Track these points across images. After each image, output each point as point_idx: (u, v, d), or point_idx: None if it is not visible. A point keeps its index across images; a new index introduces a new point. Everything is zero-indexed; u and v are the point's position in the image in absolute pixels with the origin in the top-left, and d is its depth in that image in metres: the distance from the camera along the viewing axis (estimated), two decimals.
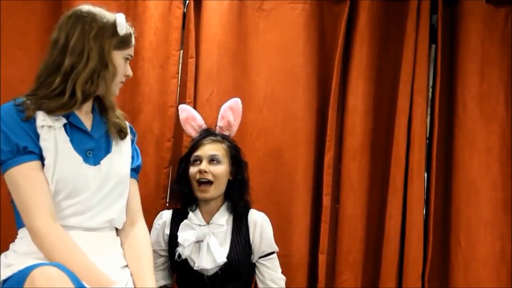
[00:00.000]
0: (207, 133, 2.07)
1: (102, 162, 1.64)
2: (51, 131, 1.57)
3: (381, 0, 2.40)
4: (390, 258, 2.27)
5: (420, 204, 2.30)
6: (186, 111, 2.17)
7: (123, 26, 1.66)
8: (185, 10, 2.39)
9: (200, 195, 1.97)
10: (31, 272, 1.32)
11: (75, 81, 1.59)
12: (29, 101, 1.57)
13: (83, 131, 1.64)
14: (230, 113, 2.10)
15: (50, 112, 1.57)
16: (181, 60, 2.40)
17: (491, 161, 2.31)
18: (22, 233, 1.59)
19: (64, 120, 1.60)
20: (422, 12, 2.35)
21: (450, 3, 2.40)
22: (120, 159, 1.70)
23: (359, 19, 2.37)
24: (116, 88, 1.71)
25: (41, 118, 1.56)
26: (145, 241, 1.75)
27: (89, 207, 1.60)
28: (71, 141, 1.60)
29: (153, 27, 2.33)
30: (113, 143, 1.71)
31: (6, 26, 2.21)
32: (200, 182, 1.96)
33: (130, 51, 1.71)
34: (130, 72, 1.74)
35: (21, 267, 1.41)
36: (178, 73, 2.38)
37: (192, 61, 2.33)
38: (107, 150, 1.68)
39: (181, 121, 2.18)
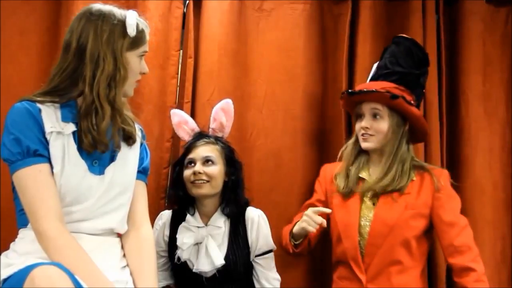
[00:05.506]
0: (200, 135, 2.05)
1: (106, 171, 1.61)
2: (59, 137, 1.54)
3: (383, 0, 2.40)
4: None
5: None
6: (177, 115, 2.15)
7: (133, 26, 1.59)
8: (185, 10, 2.39)
9: (194, 190, 1.95)
10: (31, 271, 1.31)
11: (98, 90, 1.55)
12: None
13: None
14: (222, 115, 2.08)
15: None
16: (181, 60, 2.40)
17: (493, 161, 2.31)
18: (23, 233, 1.58)
19: (73, 127, 1.57)
20: (428, 12, 2.34)
21: (450, 3, 2.40)
22: (124, 167, 1.66)
23: (360, 19, 2.37)
24: (130, 89, 1.67)
25: (49, 125, 1.53)
26: (149, 245, 1.69)
27: (90, 216, 1.58)
28: (79, 148, 1.57)
29: (153, 27, 2.32)
30: (119, 150, 1.66)
31: (6, 26, 2.20)
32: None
33: (144, 47, 1.66)
34: (145, 69, 1.69)
35: (21, 266, 1.40)
36: (177, 74, 2.37)
37: (191, 61, 2.33)
38: (112, 158, 1.64)
39: (173, 125, 2.16)
